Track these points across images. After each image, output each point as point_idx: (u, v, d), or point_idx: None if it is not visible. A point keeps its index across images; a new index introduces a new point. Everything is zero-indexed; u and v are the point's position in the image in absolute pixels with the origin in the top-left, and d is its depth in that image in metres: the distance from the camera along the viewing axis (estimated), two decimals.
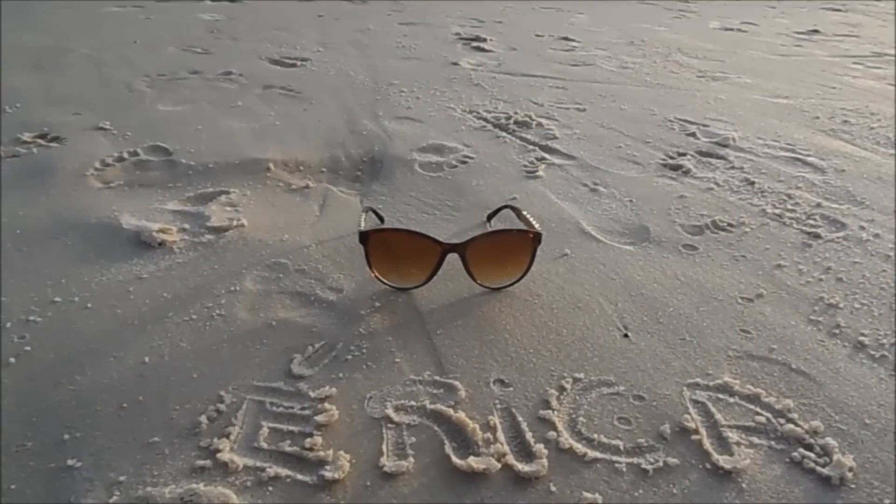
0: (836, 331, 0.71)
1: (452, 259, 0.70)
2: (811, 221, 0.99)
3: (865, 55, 2.31)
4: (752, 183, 1.12)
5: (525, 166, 1.12)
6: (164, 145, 1.09)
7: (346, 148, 1.14)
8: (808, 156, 1.26)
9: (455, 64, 1.72)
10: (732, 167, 1.19)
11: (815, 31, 2.74)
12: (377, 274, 0.72)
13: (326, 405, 0.56)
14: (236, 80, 1.47)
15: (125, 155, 1.06)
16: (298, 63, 1.63)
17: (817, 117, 1.52)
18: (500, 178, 1.06)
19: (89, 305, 0.69)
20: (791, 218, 1.00)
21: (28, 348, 0.62)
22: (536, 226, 0.74)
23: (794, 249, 0.91)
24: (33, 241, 0.81)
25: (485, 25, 2.31)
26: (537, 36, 2.15)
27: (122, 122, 1.19)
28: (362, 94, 1.43)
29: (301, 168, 1.06)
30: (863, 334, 0.70)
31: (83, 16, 2.14)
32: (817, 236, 0.95)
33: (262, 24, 2.14)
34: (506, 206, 0.89)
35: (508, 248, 0.71)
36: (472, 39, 1.98)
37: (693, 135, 1.33)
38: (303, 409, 0.56)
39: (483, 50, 1.89)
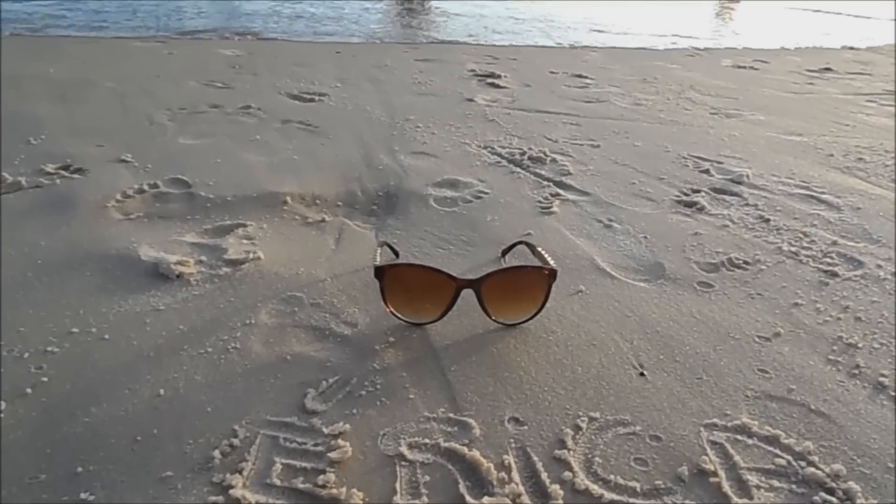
0: (856, 371, 0.70)
1: (467, 295, 0.70)
2: (828, 259, 0.99)
3: (878, 93, 2.31)
4: (768, 220, 1.12)
5: (539, 202, 1.12)
6: (184, 178, 1.11)
7: (362, 182, 1.15)
8: (823, 193, 1.26)
9: (470, 100, 1.75)
10: (747, 204, 1.19)
11: (828, 69, 2.76)
12: (392, 309, 0.72)
13: (340, 442, 0.56)
14: (255, 114, 1.50)
15: (145, 187, 1.07)
16: (316, 98, 1.66)
17: (831, 155, 1.52)
18: (514, 214, 1.07)
19: (106, 336, 0.69)
20: (807, 256, 1.00)
21: (45, 379, 0.62)
22: (551, 262, 0.74)
23: (811, 288, 0.90)
24: (53, 272, 0.82)
25: (499, 62, 2.34)
26: (551, 73, 2.18)
27: (143, 154, 1.21)
28: (379, 129, 1.45)
29: (317, 202, 1.07)
30: (883, 374, 0.69)
31: (108, 50, 2.20)
32: (834, 274, 0.94)
33: (282, 59, 2.19)
34: (520, 242, 0.89)
35: (523, 284, 0.71)
36: (487, 76, 2.01)
37: (707, 171, 1.33)
38: (316, 445, 0.55)
39: (498, 86, 1.92)
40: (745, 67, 2.66)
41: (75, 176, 1.12)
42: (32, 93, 1.57)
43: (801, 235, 1.07)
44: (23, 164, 1.14)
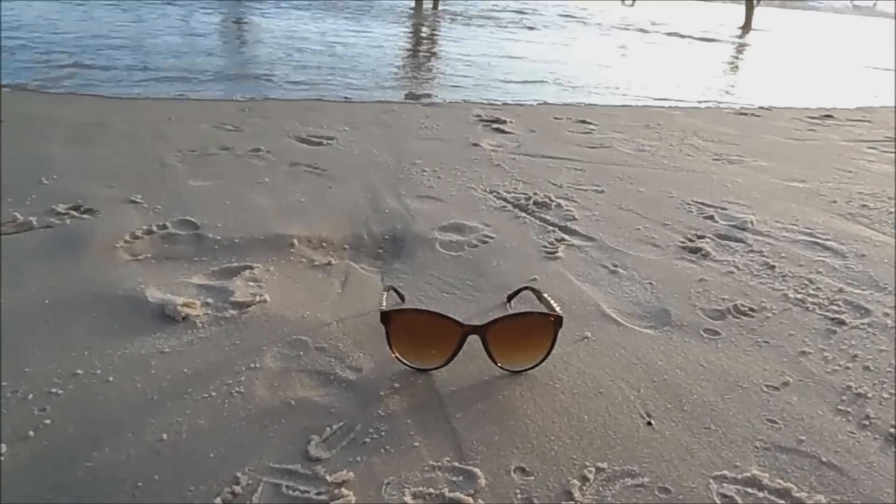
0: (866, 422, 0.70)
1: (473, 340, 0.70)
2: (834, 307, 0.99)
3: (879, 140, 2.34)
4: (773, 267, 1.12)
5: (545, 247, 1.13)
6: (193, 219, 1.12)
7: (368, 225, 1.16)
8: (828, 240, 1.26)
9: (476, 145, 1.77)
10: (752, 251, 1.19)
11: (828, 116, 2.79)
12: (398, 354, 0.72)
13: (343, 490, 0.55)
14: (264, 156, 1.52)
15: (154, 228, 1.08)
16: (325, 142, 1.68)
17: (835, 201, 1.53)
18: (519, 259, 1.07)
19: (111, 379, 0.69)
20: (814, 303, 0.99)
21: (48, 421, 0.62)
22: (557, 309, 0.74)
23: (819, 336, 0.90)
24: (60, 312, 0.82)
25: (505, 108, 2.38)
26: (555, 118, 2.21)
27: (153, 195, 1.22)
28: (386, 173, 1.47)
29: (324, 245, 1.08)
30: (893, 426, 0.68)
31: (123, 92, 2.25)
32: (841, 322, 0.94)
33: (291, 103, 2.23)
34: (526, 288, 0.90)
35: (529, 331, 0.71)
36: (493, 121, 2.05)
37: (711, 217, 1.34)
38: (319, 493, 0.55)
39: (503, 132, 1.95)
40: (746, 114, 2.70)
41: (86, 216, 1.13)
42: (46, 134, 1.60)
43: (806, 282, 1.07)
44: (34, 204, 1.15)
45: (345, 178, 1.42)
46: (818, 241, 1.26)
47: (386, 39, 4.20)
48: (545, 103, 2.56)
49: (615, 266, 1.07)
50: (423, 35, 4.81)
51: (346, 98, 2.34)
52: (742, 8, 8.84)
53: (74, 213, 1.14)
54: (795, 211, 1.43)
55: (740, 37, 7.22)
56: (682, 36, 6.62)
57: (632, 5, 13.93)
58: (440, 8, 6.60)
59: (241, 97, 2.24)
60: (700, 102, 2.94)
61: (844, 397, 0.75)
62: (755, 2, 8.65)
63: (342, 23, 4.93)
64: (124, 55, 2.86)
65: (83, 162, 1.40)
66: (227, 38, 3.61)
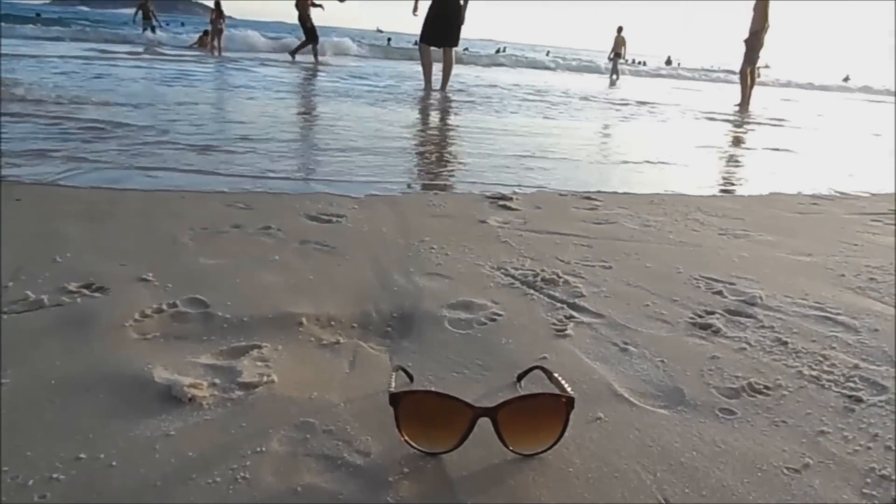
0: None
1: (483, 423, 0.69)
2: (851, 384, 0.97)
3: (882, 212, 2.35)
4: (785, 343, 1.11)
5: (554, 324, 1.12)
6: (203, 298, 1.12)
7: (376, 303, 1.16)
8: (839, 314, 1.26)
9: (483, 221, 1.80)
10: (763, 326, 1.18)
11: (832, 189, 2.83)
12: (407, 438, 0.70)
13: None
14: (275, 234, 1.54)
15: (164, 307, 1.09)
16: (334, 219, 1.71)
17: (843, 275, 1.53)
18: (529, 337, 1.07)
19: (114, 464, 0.68)
20: (829, 380, 0.98)
21: None
22: (569, 389, 0.73)
23: (837, 414, 0.88)
24: (66, 393, 0.82)
25: (510, 186, 2.43)
26: (560, 195, 2.25)
27: (164, 273, 1.24)
28: (394, 250, 1.48)
29: (332, 323, 1.08)
30: None
31: (137, 168, 2.31)
32: (859, 400, 0.92)
33: (300, 183, 2.28)
34: (536, 367, 0.89)
35: (541, 413, 0.70)
36: (499, 198, 2.08)
37: (720, 293, 1.34)
38: None
39: (509, 208, 1.97)
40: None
41: (96, 295, 1.14)
42: (62, 211, 1.63)
43: (820, 359, 1.05)
44: (47, 282, 1.17)
45: (354, 255, 1.43)
46: (829, 315, 1.25)
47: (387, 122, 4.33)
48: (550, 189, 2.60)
49: (625, 343, 1.06)
50: (430, 117, 4.96)
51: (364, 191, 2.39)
52: (736, 87, 9.04)
53: (86, 292, 1.15)
54: (804, 285, 1.43)
55: (740, 115, 7.41)
56: (682, 114, 6.80)
57: (616, 80, 14.47)
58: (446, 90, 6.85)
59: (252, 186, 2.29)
60: (700, 188, 2.99)
61: (868, 479, 0.72)
62: (754, 78, 8.92)
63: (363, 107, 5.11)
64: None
65: (97, 239, 1.43)
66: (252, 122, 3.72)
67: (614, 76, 15.92)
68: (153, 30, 17.34)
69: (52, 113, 3.41)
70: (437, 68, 6.97)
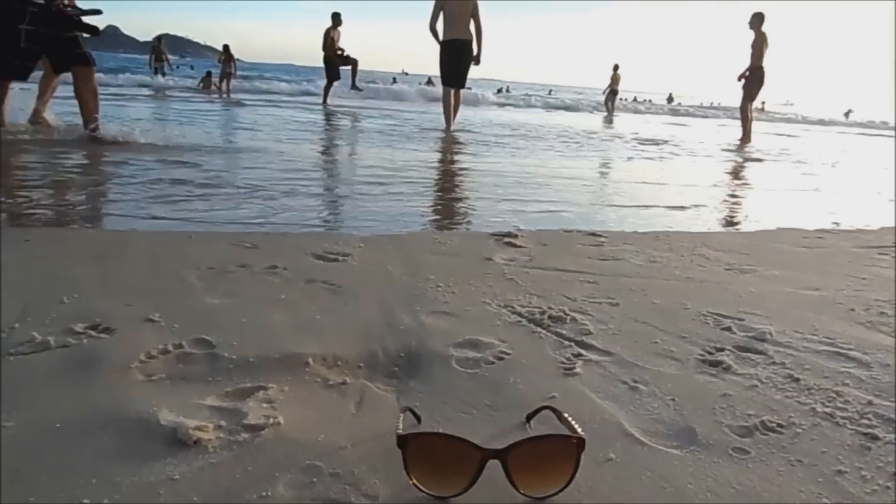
0: None
1: (493, 465, 0.68)
2: (865, 421, 0.95)
3: (889, 245, 2.34)
4: (797, 379, 1.09)
5: (562, 363, 1.11)
6: (209, 338, 1.12)
7: (383, 343, 1.16)
8: (851, 350, 1.24)
9: (489, 259, 1.80)
10: (774, 363, 1.17)
11: (836, 223, 2.83)
12: (415, 481, 0.69)
13: None
14: (281, 273, 1.54)
15: (170, 348, 1.08)
16: (340, 258, 1.71)
17: (853, 309, 1.51)
18: (537, 375, 1.06)
19: None
20: (843, 417, 0.96)
21: None
22: (579, 430, 0.72)
23: (853, 452, 0.86)
24: (71, 436, 0.81)
25: (515, 221, 2.44)
26: (566, 232, 2.25)
27: (170, 313, 1.23)
28: (400, 289, 1.48)
29: (339, 363, 1.07)
30: None
31: (147, 212, 2.33)
32: (875, 437, 0.90)
33: (309, 220, 2.30)
34: (545, 407, 0.88)
35: (551, 454, 0.69)
36: (504, 235, 2.08)
37: (729, 329, 1.32)
38: None
39: (514, 245, 1.97)
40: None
41: (103, 335, 1.14)
42: (71, 253, 1.64)
43: (833, 395, 1.04)
44: (53, 323, 1.17)
45: (360, 294, 1.43)
46: (841, 351, 1.24)
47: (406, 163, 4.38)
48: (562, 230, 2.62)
49: (635, 382, 1.05)
50: (439, 155, 5.01)
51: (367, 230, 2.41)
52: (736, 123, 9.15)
53: (92, 333, 1.14)
54: (814, 320, 1.42)
55: (741, 149, 7.47)
56: (679, 150, 6.85)
57: (612, 117, 14.68)
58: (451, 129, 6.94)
59: (261, 220, 2.30)
60: (705, 224, 3.00)
61: None
62: (752, 113, 9.04)
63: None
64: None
65: (104, 280, 1.43)
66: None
67: (610, 112, 16.23)
68: (163, 73, 17.71)
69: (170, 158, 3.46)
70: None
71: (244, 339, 1.12)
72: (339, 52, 11.02)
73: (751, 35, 8.63)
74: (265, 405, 0.91)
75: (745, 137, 8.71)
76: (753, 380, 1.08)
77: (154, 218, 2.17)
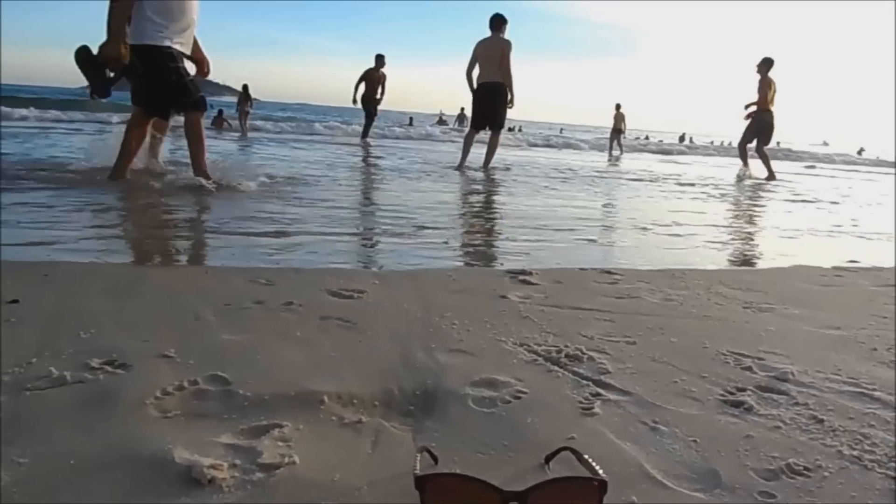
0: None
1: None
2: (894, 464, 0.92)
3: None
4: (822, 421, 1.07)
5: (580, 402, 1.10)
6: (224, 375, 1.12)
7: (399, 381, 1.15)
8: (875, 390, 1.22)
9: (504, 297, 1.79)
10: (797, 403, 1.14)
11: (854, 261, 2.79)
12: None
13: None
14: (296, 310, 1.55)
15: (185, 384, 1.08)
16: (355, 295, 1.71)
17: (875, 349, 1.49)
18: (555, 415, 1.04)
19: None
20: (871, 461, 0.94)
21: None
22: (600, 472, 0.70)
23: (884, 497, 0.84)
24: (84, 474, 0.80)
25: (529, 260, 2.44)
26: (581, 270, 2.24)
27: (186, 349, 1.24)
28: (415, 326, 1.47)
29: (354, 401, 1.06)
30: None
31: (162, 247, 2.36)
32: None
33: (322, 257, 2.31)
34: (565, 448, 0.86)
35: (572, 497, 0.68)
36: (519, 273, 2.08)
37: (749, 368, 1.30)
38: None
39: (529, 283, 1.97)
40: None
41: (119, 371, 1.14)
42: (88, 287, 1.66)
43: (860, 437, 1.01)
44: (70, 358, 1.17)
45: (375, 331, 1.42)
46: (865, 391, 1.21)
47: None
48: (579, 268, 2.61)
49: (655, 422, 1.03)
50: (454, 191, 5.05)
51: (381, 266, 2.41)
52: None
53: (108, 368, 1.15)
54: (836, 360, 1.39)
55: (765, 184, 7.47)
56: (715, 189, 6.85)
57: (618, 156, 14.76)
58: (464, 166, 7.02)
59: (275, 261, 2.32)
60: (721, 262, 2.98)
61: None
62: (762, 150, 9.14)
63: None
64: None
65: (121, 315, 1.44)
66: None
67: (616, 152, 16.34)
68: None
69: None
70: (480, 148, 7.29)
71: (259, 376, 1.12)
72: (378, 95, 11.21)
73: (757, 79, 8.81)
74: (280, 444, 0.90)
75: (770, 174, 8.71)
76: (777, 421, 1.06)
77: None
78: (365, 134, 11.68)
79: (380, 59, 11.15)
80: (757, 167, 8.89)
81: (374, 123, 12.12)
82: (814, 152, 21.85)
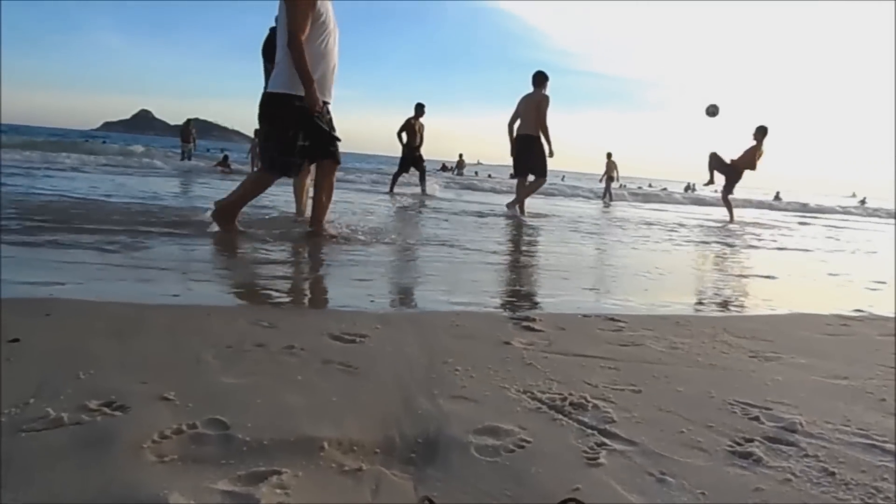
0: None
1: None
2: None
3: None
4: (833, 473, 1.05)
5: (585, 452, 1.08)
6: (223, 419, 1.10)
7: (400, 427, 1.13)
8: (886, 442, 1.19)
9: (507, 343, 1.77)
10: (806, 455, 1.12)
11: (860, 310, 2.77)
12: None
13: None
14: (298, 354, 1.53)
15: (184, 427, 1.07)
16: (357, 339, 1.70)
17: (884, 399, 1.47)
18: (559, 465, 1.02)
19: None
20: None
21: None
22: None
23: None
24: None
25: (532, 308, 2.43)
26: (584, 316, 2.23)
27: (185, 392, 1.22)
28: (418, 372, 1.46)
29: (355, 448, 1.04)
30: None
31: (166, 290, 2.36)
32: None
33: (327, 301, 2.31)
34: (570, 500, 0.84)
35: None
36: (522, 319, 2.07)
37: (757, 419, 1.28)
38: None
39: (533, 329, 1.95)
40: (775, 309, 2.70)
41: (117, 413, 1.12)
42: (89, 327, 1.65)
43: (873, 491, 0.99)
44: (68, 399, 1.16)
45: (377, 376, 1.41)
46: (876, 443, 1.19)
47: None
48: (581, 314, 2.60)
49: (662, 473, 1.01)
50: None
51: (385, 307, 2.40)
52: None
53: (106, 410, 1.13)
54: (845, 410, 1.37)
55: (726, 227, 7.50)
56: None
57: (609, 203, 14.90)
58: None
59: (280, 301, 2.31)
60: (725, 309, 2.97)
61: None
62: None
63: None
64: None
65: (121, 356, 1.43)
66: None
67: (607, 198, 16.56)
68: (188, 157, 18.12)
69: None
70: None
71: (259, 421, 1.10)
72: (417, 148, 10.49)
73: (752, 143, 9.22)
74: (278, 491, 0.88)
75: (731, 219, 9.31)
76: (787, 473, 1.04)
77: None
78: (393, 183, 11.00)
79: (419, 108, 10.62)
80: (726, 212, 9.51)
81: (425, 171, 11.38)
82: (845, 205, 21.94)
